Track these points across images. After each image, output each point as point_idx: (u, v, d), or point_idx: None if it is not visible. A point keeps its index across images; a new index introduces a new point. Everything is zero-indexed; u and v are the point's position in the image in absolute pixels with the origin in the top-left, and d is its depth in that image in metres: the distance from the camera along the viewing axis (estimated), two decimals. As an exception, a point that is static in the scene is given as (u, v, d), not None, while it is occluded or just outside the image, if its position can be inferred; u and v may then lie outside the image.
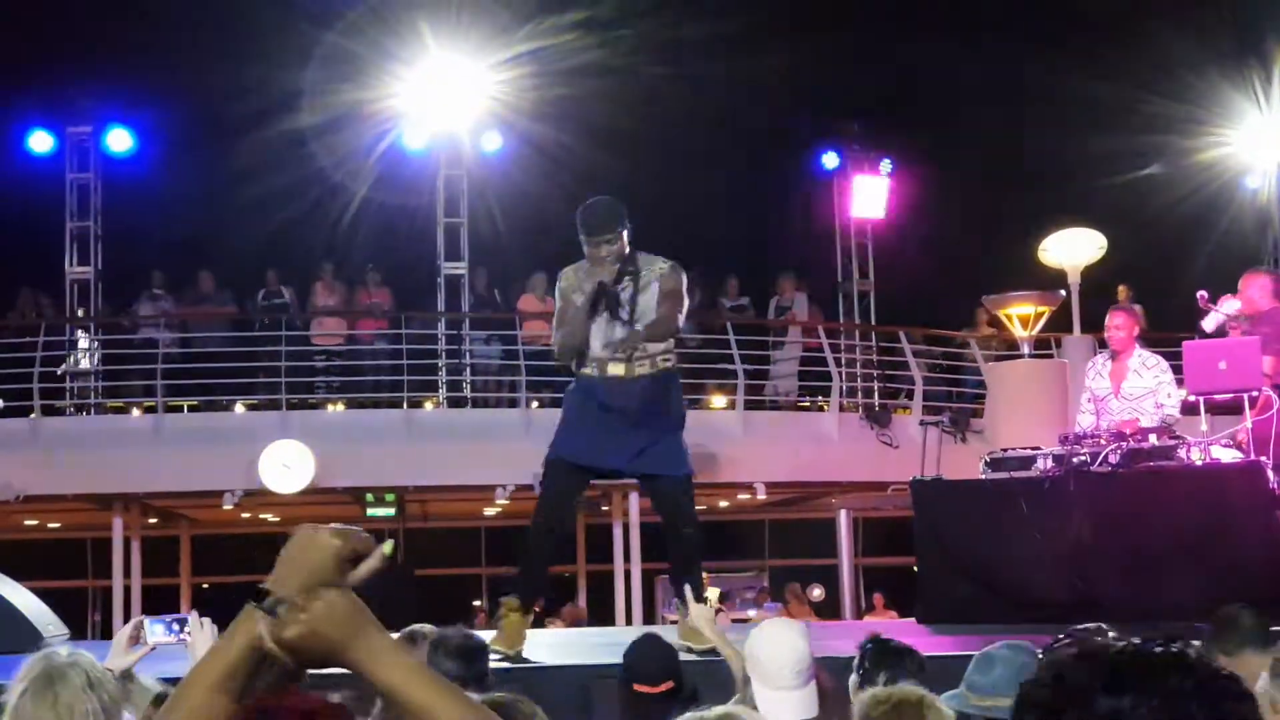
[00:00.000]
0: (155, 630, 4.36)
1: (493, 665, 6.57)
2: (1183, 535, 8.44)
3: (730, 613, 18.66)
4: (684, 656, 5.47)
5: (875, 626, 12.15)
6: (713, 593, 18.25)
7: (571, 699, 5.93)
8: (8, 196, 19.34)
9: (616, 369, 7.08)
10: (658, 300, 7.14)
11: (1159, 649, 1.58)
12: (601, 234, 7.10)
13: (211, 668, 1.93)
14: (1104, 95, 19.74)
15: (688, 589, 6.86)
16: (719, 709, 3.15)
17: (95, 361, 17.99)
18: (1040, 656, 3.63)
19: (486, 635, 7.75)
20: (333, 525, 1.95)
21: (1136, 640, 1.60)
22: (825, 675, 4.42)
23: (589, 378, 7.15)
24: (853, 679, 4.33)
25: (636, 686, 4.75)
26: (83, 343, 17.74)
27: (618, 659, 5.04)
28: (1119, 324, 9.48)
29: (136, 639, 4.33)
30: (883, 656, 4.33)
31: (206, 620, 4.34)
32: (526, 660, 6.82)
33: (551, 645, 7.49)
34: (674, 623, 7.96)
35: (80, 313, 18.74)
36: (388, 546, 1.92)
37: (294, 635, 1.86)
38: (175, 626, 4.36)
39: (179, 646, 4.29)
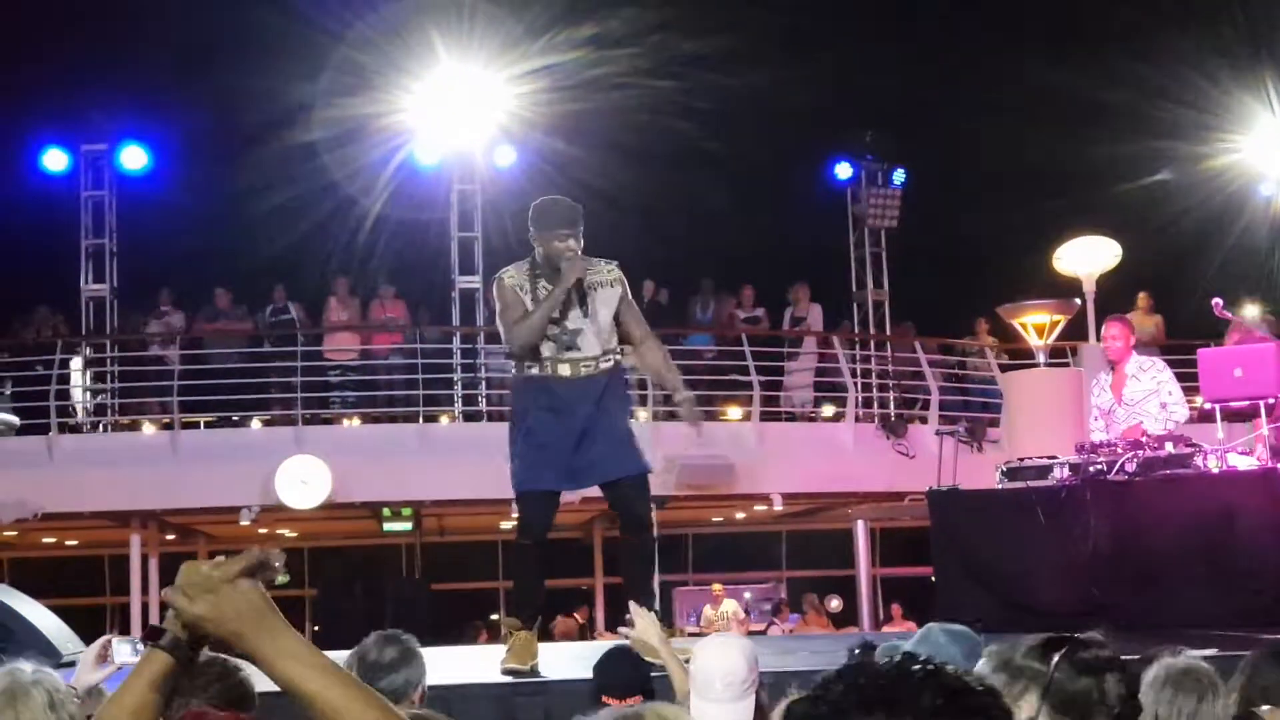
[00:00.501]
0: (123, 650, 4.37)
1: (505, 680, 6.60)
2: (1199, 543, 8.42)
3: (748, 624, 18.67)
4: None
5: (889, 635, 12.10)
6: (730, 604, 18.26)
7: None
8: (23, 214, 19.41)
9: (563, 368, 7.01)
10: (622, 307, 7.10)
11: (916, 667, 1.58)
12: (577, 227, 7.03)
13: (121, 704, 2.08)
14: (1117, 102, 19.73)
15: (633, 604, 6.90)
16: (637, 706, 3.14)
17: (88, 380, 17.95)
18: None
19: (489, 652, 7.79)
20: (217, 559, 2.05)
21: (899, 659, 1.60)
22: (765, 693, 4.42)
23: (542, 378, 7.03)
24: None
25: (605, 699, 4.75)
26: (75, 362, 17.70)
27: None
28: (1115, 334, 9.48)
29: (104, 657, 4.34)
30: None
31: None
32: (540, 675, 6.77)
33: (569, 658, 7.46)
34: (694, 635, 7.94)
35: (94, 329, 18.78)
36: (276, 557, 1.97)
37: (200, 611, 1.99)
38: (141, 646, 4.37)
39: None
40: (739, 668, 4.30)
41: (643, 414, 15.80)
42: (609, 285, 7.10)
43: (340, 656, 4.46)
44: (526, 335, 7.03)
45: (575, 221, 7.04)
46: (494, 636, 17.77)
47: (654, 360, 7.32)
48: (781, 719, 1.63)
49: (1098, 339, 14.49)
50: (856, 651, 4.39)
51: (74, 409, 17.55)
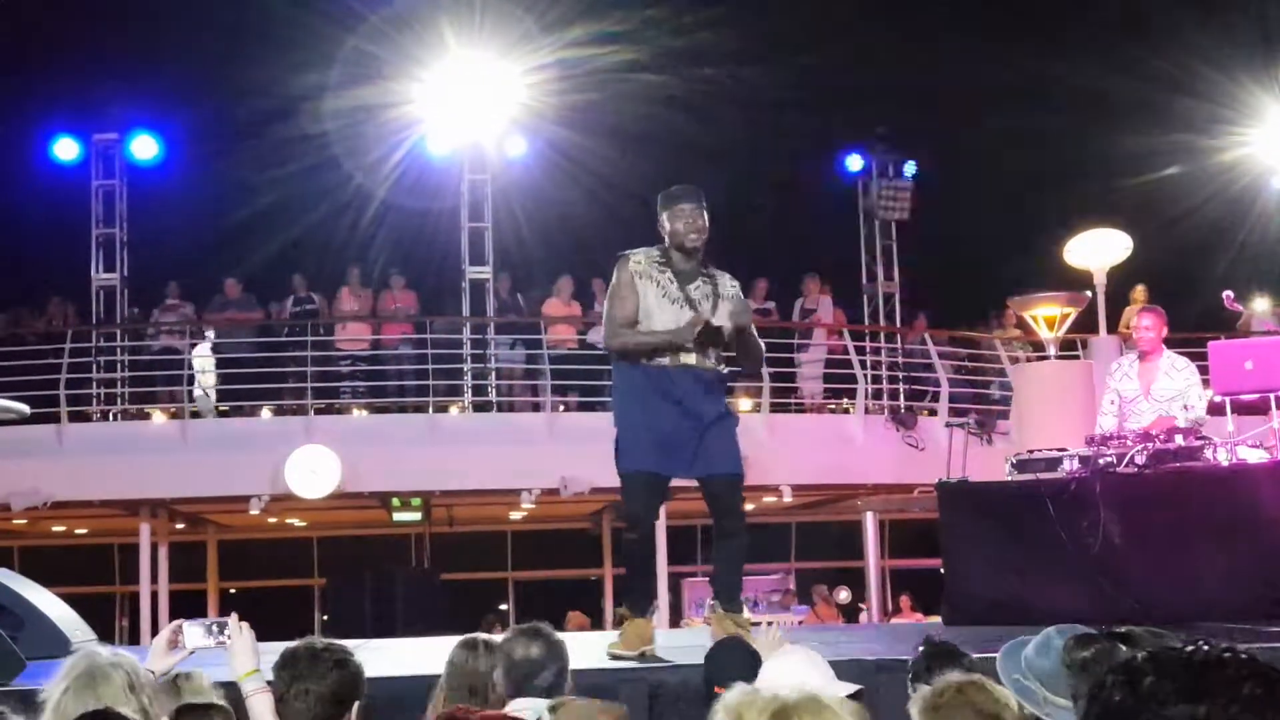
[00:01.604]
0: (194, 634, 4.35)
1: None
2: (1209, 536, 8.41)
3: (755, 615, 18.68)
4: None
5: (902, 628, 12.12)
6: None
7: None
8: (34, 204, 19.45)
9: (689, 358, 6.94)
10: (739, 315, 7.05)
11: (1229, 654, 1.58)
12: (701, 203, 7.05)
13: None
14: (1128, 95, 19.69)
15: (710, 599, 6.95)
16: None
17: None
18: (1085, 653, 3.63)
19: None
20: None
21: (1205, 645, 1.60)
22: None
23: (659, 366, 6.96)
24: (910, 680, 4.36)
25: (718, 689, 4.76)
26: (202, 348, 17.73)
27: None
28: (1148, 325, 9.43)
29: (175, 643, 4.33)
30: (936, 659, 4.38)
31: (245, 624, 4.34)
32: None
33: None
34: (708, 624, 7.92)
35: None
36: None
37: None
38: (214, 629, 4.36)
39: (218, 650, 4.29)
40: (818, 676, 4.35)
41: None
42: (730, 299, 7.11)
43: (367, 644, 4.47)
44: (619, 346, 7.05)
45: (699, 197, 7.05)
46: (505, 628, 17.81)
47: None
48: (1086, 706, 1.61)
49: (1109, 331, 14.51)
50: (921, 648, 4.45)
51: (101, 397, 17.59)
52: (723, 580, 7.23)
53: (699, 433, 6.94)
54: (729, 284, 7.21)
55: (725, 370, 7.15)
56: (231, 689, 4.16)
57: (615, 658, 6.73)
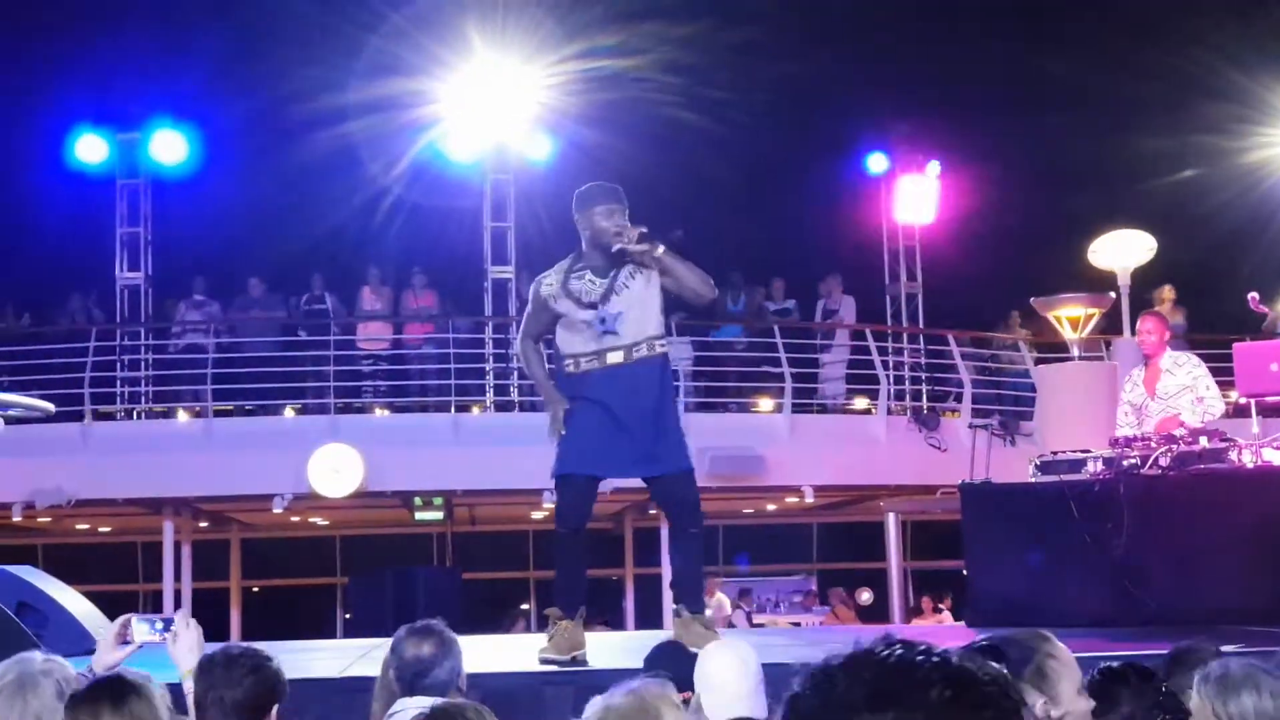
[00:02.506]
0: (141, 629, 4.41)
1: (547, 670, 6.55)
2: (1234, 538, 8.39)
3: (778, 616, 18.68)
4: None
5: (923, 630, 12.11)
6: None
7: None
8: (59, 202, 19.51)
9: (615, 356, 6.87)
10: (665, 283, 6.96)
11: (920, 658, 1.53)
12: (622, 203, 6.96)
13: None
14: (1152, 96, 19.63)
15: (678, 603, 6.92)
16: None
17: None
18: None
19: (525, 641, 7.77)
20: None
21: (899, 648, 1.55)
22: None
23: (582, 371, 6.93)
24: None
25: None
26: None
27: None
28: (1149, 328, 9.45)
29: (124, 637, 4.37)
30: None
31: (193, 620, 4.37)
32: (584, 665, 6.71)
33: (613, 649, 7.42)
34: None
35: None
36: None
37: None
38: (160, 625, 4.42)
39: (163, 645, 4.34)
40: (744, 672, 4.34)
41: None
42: (639, 272, 6.96)
43: (388, 643, 4.45)
44: (520, 357, 7.33)
45: (619, 197, 6.97)
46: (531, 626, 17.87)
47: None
48: (783, 714, 1.59)
49: (1132, 333, 14.46)
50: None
51: (125, 396, 17.64)
52: (683, 581, 7.11)
53: (632, 433, 6.85)
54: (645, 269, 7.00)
55: (659, 351, 6.97)
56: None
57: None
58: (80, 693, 3.52)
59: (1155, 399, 9.22)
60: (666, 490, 7.06)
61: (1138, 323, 9.70)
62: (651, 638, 6.80)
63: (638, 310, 6.89)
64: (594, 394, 6.88)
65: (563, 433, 6.90)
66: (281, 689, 4.01)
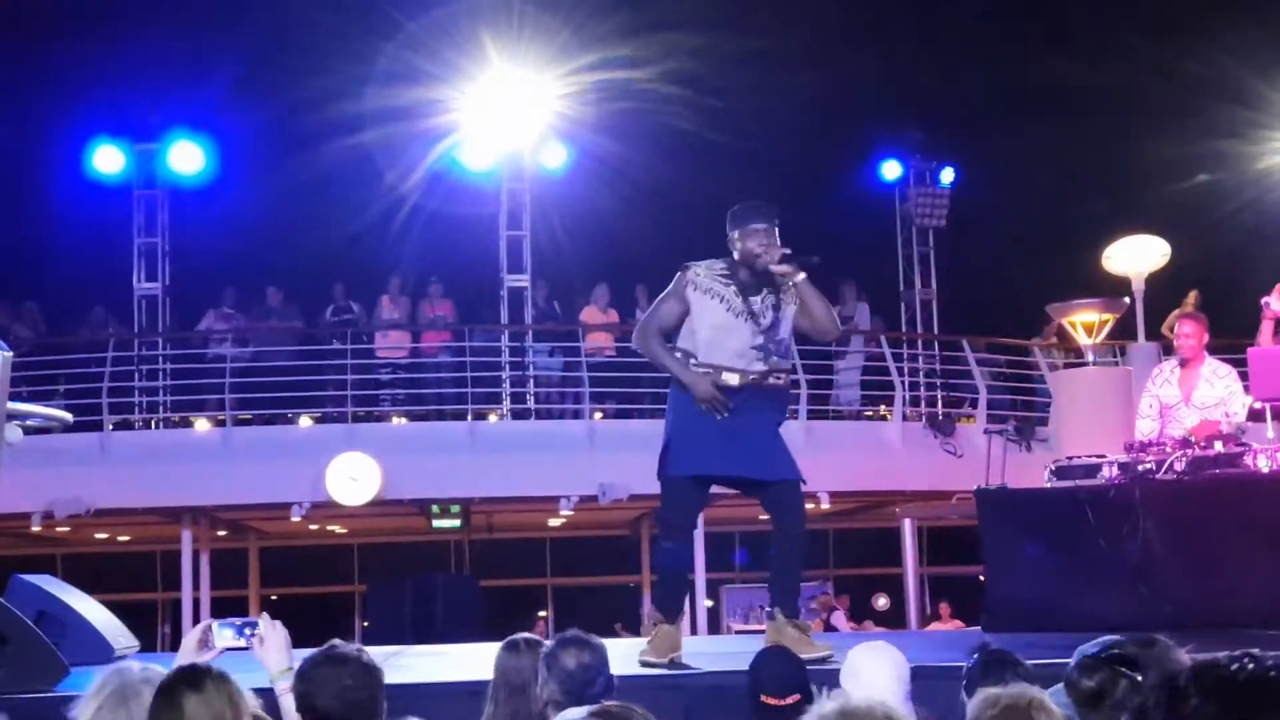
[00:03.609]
0: (224, 634, 4.35)
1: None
2: (1250, 543, 8.38)
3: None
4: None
5: (941, 635, 12.11)
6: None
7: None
8: (77, 213, 19.59)
9: (755, 378, 6.91)
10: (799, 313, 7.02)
11: (1273, 671, 1.51)
12: (773, 221, 7.00)
13: None
14: (1166, 101, 19.61)
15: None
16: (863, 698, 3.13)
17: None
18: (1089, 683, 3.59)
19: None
20: None
21: (1250, 663, 1.53)
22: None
23: (723, 385, 6.92)
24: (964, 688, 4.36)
25: (764, 698, 4.78)
26: None
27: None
28: (1189, 332, 9.38)
29: (205, 643, 4.34)
30: (990, 666, 4.38)
31: (278, 623, 4.35)
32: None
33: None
34: (740, 632, 7.94)
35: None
36: None
37: None
38: (245, 630, 4.36)
39: (248, 651, 4.30)
40: (895, 675, 4.46)
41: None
42: (791, 303, 7.01)
43: (406, 650, 4.47)
44: (644, 349, 7.07)
45: (771, 216, 6.98)
46: (547, 631, 17.88)
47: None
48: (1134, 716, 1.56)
49: (1147, 338, 14.47)
50: (976, 655, 4.45)
51: (144, 405, 17.70)
52: (778, 585, 7.17)
53: (748, 436, 6.88)
54: (793, 296, 7.04)
55: (782, 381, 7.05)
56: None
57: (647, 664, 6.71)
58: (163, 682, 3.56)
59: (1190, 406, 9.18)
60: (778, 497, 7.07)
61: (1178, 324, 9.63)
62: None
63: (788, 339, 7.03)
64: (733, 402, 6.91)
65: (724, 414, 6.87)
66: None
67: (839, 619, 17.91)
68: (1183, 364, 9.35)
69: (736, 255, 6.99)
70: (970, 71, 20.83)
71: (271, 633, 4.28)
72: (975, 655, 4.50)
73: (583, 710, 3.48)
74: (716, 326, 6.91)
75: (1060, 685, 3.85)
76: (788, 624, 6.87)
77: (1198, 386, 9.20)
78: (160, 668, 3.80)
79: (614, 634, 17.83)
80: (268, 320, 18.46)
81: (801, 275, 6.87)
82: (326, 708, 3.92)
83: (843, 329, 18.62)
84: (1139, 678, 3.05)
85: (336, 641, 4.14)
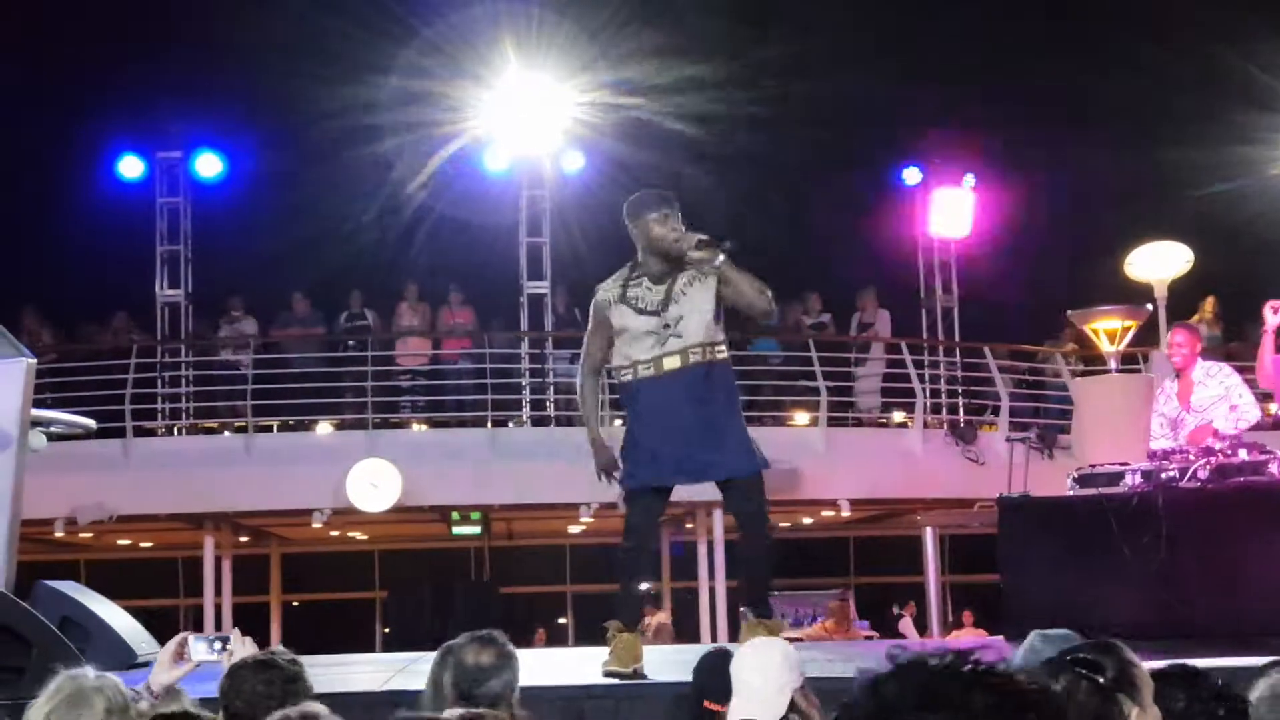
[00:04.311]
0: (199, 647, 4.43)
1: (609, 683, 6.52)
2: (1272, 550, 8.35)
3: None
4: None
5: (959, 644, 12.06)
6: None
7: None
8: (100, 221, 19.67)
9: (672, 361, 6.84)
10: (723, 291, 6.91)
11: (967, 666, 1.62)
12: (674, 206, 6.92)
13: None
14: (1188, 107, 19.55)
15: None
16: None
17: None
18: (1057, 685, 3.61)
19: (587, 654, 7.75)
20: None
21: (949, 657, 1.64)
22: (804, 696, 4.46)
23: (639, 379, 6.91)
24: None
25: (707, 704, 4.73)
26: None
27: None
28: (1180, 341, 9.41)
29: (181, 655, 4.40)
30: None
31: (248, 639, 4.40)
32: (645, 677, 6.70)
33: (671, 663, 7.42)
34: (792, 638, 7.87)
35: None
36: None
37: None
38: (217, 645, 4.43)
39: (220, 664, 4.35)
40: (774, 669, 4.38)
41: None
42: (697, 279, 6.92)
43: (426, 657, 4.46)
44: (579, 388, 7.27)
45: (670, 201, 6.92)
46: (551, 638, 17.90)
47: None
48: (838, 713, 1.68)
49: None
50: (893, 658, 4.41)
51: (166, 412, 17.74)
52: (748, 585, 7.15)
53: (692, 440, 6.83)
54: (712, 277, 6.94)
55: (719, 358, 6.93)
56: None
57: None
58: None
59: (1191, 411, 9.19)
60: (731, 495, 7.03)
61: (1168, 335, 9.67)
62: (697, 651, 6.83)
63: (697, 316, 6.85)
64: (653, 403, 6.87)
65: (613, 478, 6.95)
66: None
67: (906, 626, 17.77)
68: (1179, 375, 9.37)
69: (640, 246, 6.97)
70: (991, 77, 20.79)
71: (241, 649, 4.34)
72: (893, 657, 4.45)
73: (458, 711, 3.48)
74: (628, 327, 6.93)
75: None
76: (759, 624, 6.83)
77: (1193, 390, 9.21)
78: (115, 678, 3.81)
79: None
80: (292, 326, 18.49)
81: (720, 258, 6.79)
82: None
83: (863, 336, 18.67)
84: (1100, 680, 3.11)
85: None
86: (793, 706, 4.36)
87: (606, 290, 7.02)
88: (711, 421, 6.89)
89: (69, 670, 3.81)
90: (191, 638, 4.45)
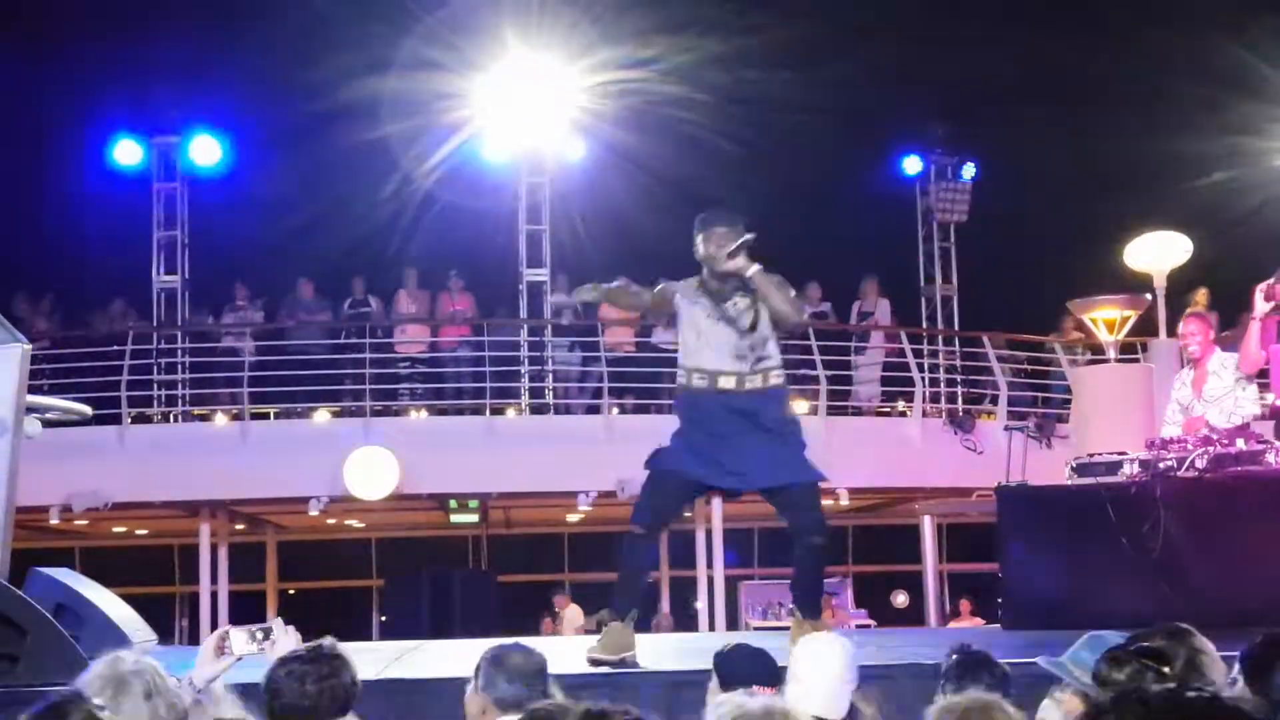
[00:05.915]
0: (239, 640, 4.33)
1: (597, 671, 6.49)
2: (1270, 540, 8.33)
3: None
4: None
5: (957, 633, 12.05)
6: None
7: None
8: (96, 206, 19.64)
9: (727, 381, 6.90)
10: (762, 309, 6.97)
11: (1192, 694, 1.58)
12: (738, 227, 6.92)
13: None
14: (1189, 96, 19.52)
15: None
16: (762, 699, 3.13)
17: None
18: (1119, 675, 3.57)
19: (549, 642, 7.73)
20: None
21: (1170, 688, 1.62)
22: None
23: (699, 390, 6.96)
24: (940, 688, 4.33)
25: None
26: None
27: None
28: (1193, 330, 9.38)
29: (222, 649, 4.32)
30: (965, 668, 4.34)
31: (291, 629, 4.34)
32: (636, 666, 6.67)
33: (660, 652, 7.39)
34: (759, 629, 7.90)
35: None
36: None
37: None
38: (259, 635, 4.34)
39: (263, 656, 4.28)
40: (836, 666, 4.45)
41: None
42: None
43: (423, 645, 4.43)
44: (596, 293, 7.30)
45: (735, 221, 6.92)
46: (557, 623, 17.88)
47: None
48: None
49: (1169, 334, 14.38)
50: (954, 656, 4.42)
51: (162, 399, 17.72)
52: (798, 586, 7.22)
53: (741, 445, 6.89)
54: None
55: (774, 385, 7.00)
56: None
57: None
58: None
59: (1201, 400, 9.17)
60: (785, 502, 7.09)
61: (1181, 325, 9.63)
62: (703, 640, 6.81)
63: (770, 335, 6.97)
64: (717, 410, 6.91)
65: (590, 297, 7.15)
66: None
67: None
68: (1194, 364, 9.34)
69: (700, 260, 7.02)
70: (992, 66, 20.73)
71: (285, 639, 4.28)
72: (953, 655, 4.46)
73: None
74: (700, 331, 6.96)
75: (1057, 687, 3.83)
76: (806, 623, 6.87)
77: (1207, 380, 9.19)
78: (155, 662, 3.79)
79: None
80: (296, 313, 18.44)
81: (755, 268, 6.84)
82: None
83: (862, 325, 18.64)
84: (1167, 670, 3.05)
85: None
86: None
87: (678, 286, 7.10)
88: (769, 434, 6.97)
89: (110, 654, 3.79)
90: (232, 630, 4.37)
